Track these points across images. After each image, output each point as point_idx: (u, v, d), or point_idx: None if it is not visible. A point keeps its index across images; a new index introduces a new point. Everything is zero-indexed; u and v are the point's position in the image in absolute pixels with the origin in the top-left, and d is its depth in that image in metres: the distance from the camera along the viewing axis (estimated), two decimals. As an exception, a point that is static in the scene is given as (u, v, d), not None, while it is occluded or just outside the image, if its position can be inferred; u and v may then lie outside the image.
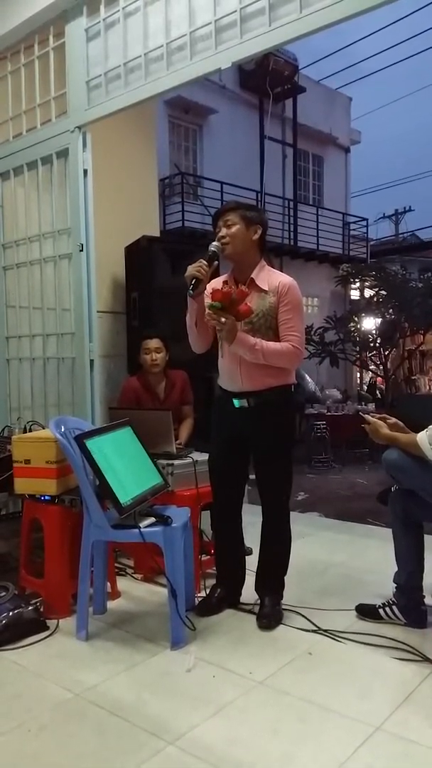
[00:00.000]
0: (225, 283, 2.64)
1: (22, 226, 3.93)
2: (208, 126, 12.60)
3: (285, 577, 2.81)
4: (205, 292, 2.63)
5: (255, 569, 2.83)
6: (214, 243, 2.60)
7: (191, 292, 2.55)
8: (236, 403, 2.66)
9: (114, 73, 3.31)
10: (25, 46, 3.80)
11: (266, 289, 2.61)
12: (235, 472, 2.80)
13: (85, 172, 3.52)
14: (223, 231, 2.61)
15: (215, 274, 2.70)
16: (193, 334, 2.72)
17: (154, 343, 3.65)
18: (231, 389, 2.67)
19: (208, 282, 2.61)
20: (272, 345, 2.59)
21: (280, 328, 2.62)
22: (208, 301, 2.56)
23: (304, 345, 2.69)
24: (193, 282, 2.53)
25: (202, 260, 2.53)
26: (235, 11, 2.77)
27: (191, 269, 2.52)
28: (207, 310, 2.51)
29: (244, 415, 2.66)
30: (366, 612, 2.71)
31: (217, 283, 2.67)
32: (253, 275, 2.64)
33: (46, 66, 3.67)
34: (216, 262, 2.60)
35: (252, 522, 2.83)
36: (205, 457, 2.97)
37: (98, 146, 3.63)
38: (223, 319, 2.46)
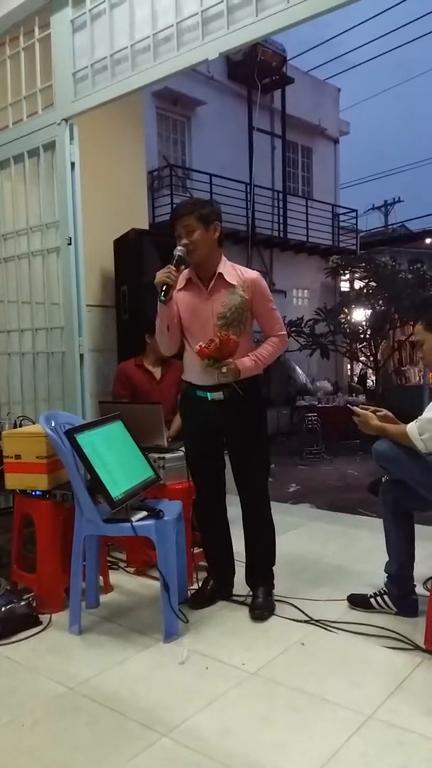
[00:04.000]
0: (210, 341, 2.54)
1: (9, 220, 3.91)
2: (196, 117, 12.52)
3: (276, 568, 2.82)
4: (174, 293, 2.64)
5: (243, 561, 2.84)
6: (179, 247, 2.57)
7: (162, 298, 2.55)
8: (210, 396, 2.67)
9: (101, 65, 3.28)
10: (10, 38, 3.76)
11: (234, 283, 2.62)
12: (214, 464, 2.82)
13: (73, 164, 3.49)
14: (185, 239, 2.58)
15: None
16: (164, 338, 2.72)
17: None
18: (204, 383, 2.67)
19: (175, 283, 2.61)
20: (266, 350, 2.69)
21: (263, 322, 2.73)
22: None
23: (284, 327, 2.83)
24: (163, 288, 2.53)
25: (170, 266, 2.53)
26: (222, 1, 2.75)
27: (161, 276, 2.52)
28: (206, 367, 2.54)
29: (219, 407, 2.67)
30: (357, 602, 2.73)
31: (179, 280, 2.65)
32: (220, 270, 2.64)
33: (31, 58, 3.64)
34: (183, 267, 2.59)
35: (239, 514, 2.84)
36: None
37: (86, 139, 3.61)
38: (224, 369, 2.51)
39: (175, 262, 2.55)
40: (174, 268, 2.53)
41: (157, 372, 3.73)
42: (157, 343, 3.56)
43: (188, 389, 2.77)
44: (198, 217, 2.58)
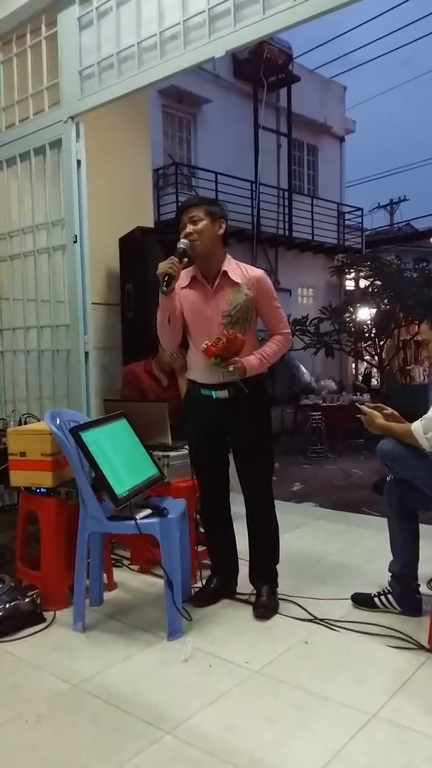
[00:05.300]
0: (217, 339, 2.54)
1: (15, 218, 3.91)
2: (202, 115, 12.53)
3: (280, 567, 2.83)
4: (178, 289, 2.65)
5: (247, 560, 2.84)
6: (183, 240, 2.58)
7: (164, 289, 2.55)
8: (214, 394, 2.67)
9: (107, 63, 3.28)
10: (17, 36, 3.77)
11: (239, 281, 2.63)
12: (218, 462, 2.82)
13: (79, 162, 3.49)
14: (190, 227, 2.59)
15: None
16: (165, 331, 2.70)
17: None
18: (208, 382, 2.67)
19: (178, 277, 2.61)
20: (271, 349, 2.69)
21: (268, 320, 2.74)
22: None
23: (289, 325, 2.84)
24: (165, 279, 2.53)
25: (173, 257, 2.53)
26: (229, -1, 2.75)
27: (163, 266, 2.52)
28: (213, 365, 2.54)
29: (223, 405, 2.67)
30: (361, 601, 2.72)
31: (183, 278, 2.66)
32: (224, 268, 2.65)
33: (38, 55, 3.64)
34: (186, 259, 2.59)
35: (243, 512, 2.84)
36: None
37: (91, 137, 3.61)
38: (231, 368, 2.51)
39: (178, 253, 2.55)
40: (177, 260, 2.53)
41: (164, 379, 3.73)
42: (167, 355, 3.58)
43: (192, 388, 2.77)
44: (206, 211, 2.61)
